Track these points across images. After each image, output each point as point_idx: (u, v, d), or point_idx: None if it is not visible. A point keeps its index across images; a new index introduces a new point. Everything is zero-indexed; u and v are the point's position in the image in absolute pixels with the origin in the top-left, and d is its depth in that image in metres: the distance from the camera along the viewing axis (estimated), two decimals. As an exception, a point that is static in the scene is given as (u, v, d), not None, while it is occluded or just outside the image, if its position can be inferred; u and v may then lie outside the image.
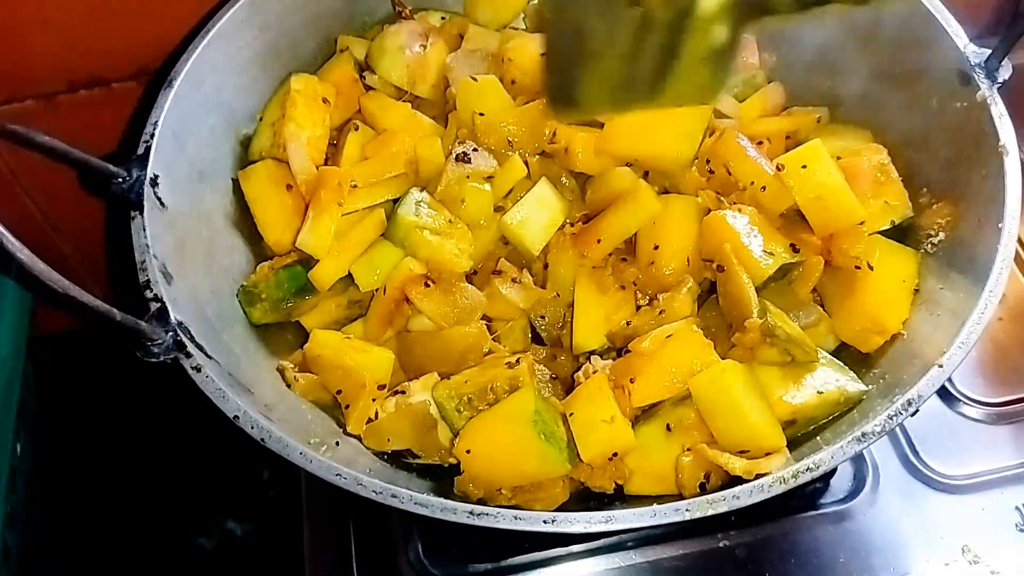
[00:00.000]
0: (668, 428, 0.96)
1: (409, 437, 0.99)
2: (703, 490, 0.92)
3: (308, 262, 1.07)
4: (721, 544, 1.13)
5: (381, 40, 1.21)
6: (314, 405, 1.03)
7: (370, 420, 0.99)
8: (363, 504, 1.15)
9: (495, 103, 1.13)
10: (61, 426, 1.55)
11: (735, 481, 0.86)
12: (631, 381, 0.97)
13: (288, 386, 1.03)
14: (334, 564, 1.15)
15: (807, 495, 1.15)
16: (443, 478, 0.97)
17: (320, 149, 1.16)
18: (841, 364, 1.00)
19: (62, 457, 1.53)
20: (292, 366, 1.04)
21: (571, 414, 0.95)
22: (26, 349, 1.39)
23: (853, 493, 1.16)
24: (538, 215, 1.08)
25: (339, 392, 1.02)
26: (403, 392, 1.01)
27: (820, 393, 0.96)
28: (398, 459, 1.00)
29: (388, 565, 1.14)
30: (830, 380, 0.97)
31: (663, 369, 0.97)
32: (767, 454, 0.90)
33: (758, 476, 0.85)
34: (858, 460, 1.18)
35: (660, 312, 1.02)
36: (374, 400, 1.00)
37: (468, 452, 0.94)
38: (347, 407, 1.01)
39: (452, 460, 0.99)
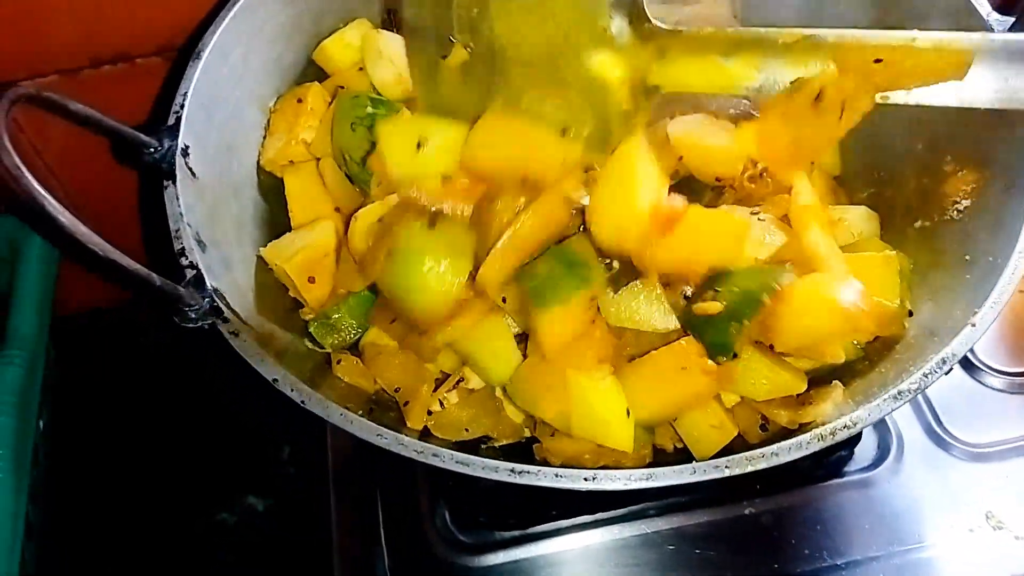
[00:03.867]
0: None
1: (484, 422, 0.99)
2: (764, 430, 0.94)
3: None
4: (747, 511, 1.14)
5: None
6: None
7: (430, 412, 0.99)
8: (390, 473, 1.19)
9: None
10: (82, 403, 1.56)
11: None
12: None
13: (329, 367, 1.04)
14: (361, 533, 1.16)
15: (832, 463, 1.16)
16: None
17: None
18: None
19: (83, 434, 1.54)
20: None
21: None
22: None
23: (877, 461, 1.17)
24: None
25: (397, 390, 1.02)
26: (462, 379, 1.02)
27: None
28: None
29: (415, 533, 1.15)
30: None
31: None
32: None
33: (801, 427, 0.87)
34: (882, 429, 1.19)
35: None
36: (434, 393, 1.01)
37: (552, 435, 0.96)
38: (406, 404, 1.00)
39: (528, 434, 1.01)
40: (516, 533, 1.14)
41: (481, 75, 1.00)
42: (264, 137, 1.16)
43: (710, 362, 0.91)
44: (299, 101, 1.16)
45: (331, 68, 1.21)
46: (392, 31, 1.23)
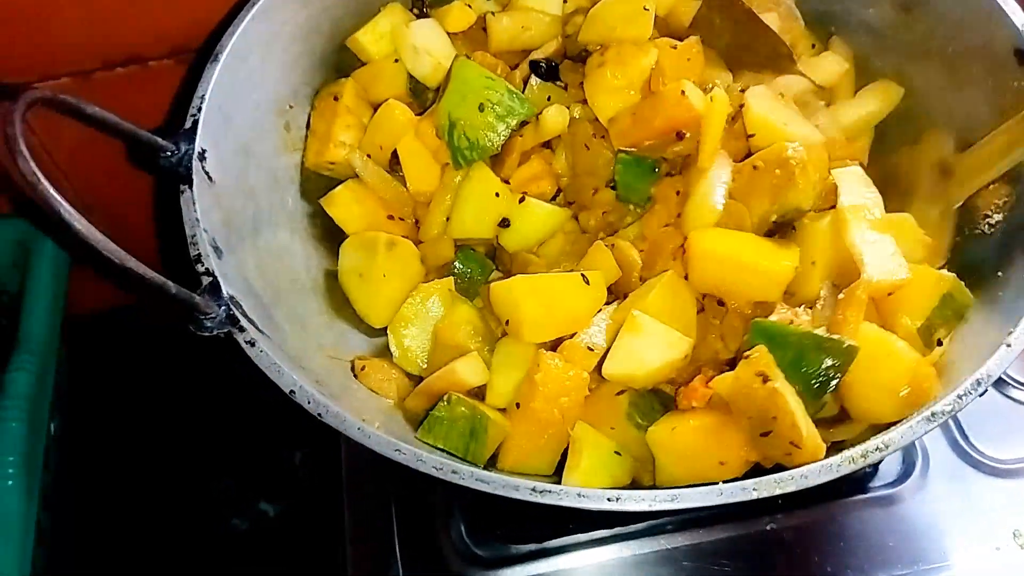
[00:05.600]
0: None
1: None
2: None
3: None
4: (768, 527, 1.12)
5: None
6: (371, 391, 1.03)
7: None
8: (406, 484, 1.17)
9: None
10: (94, 406, 1.55)
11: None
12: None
13: (355, 375, 1.03)
14: (376, 544, 1.14)
15: (856, 479, 1.14)
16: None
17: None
18: None
19: (95, 437, 1.53)
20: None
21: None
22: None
23: (902, 477, 1.15)
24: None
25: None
26: None
27: None
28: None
29: (430, 545, 1.13)
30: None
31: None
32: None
33: (834, 444, 0.86)
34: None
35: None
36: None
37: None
38: None
39: None
40: (533, 547, 1.12)
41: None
42: (306, 137, 1.16)
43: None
44: (335, 99, 1.16)
45: (365, 58, 1.21)
46: (425, 16, 1.22)
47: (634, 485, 0.96)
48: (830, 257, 0.99)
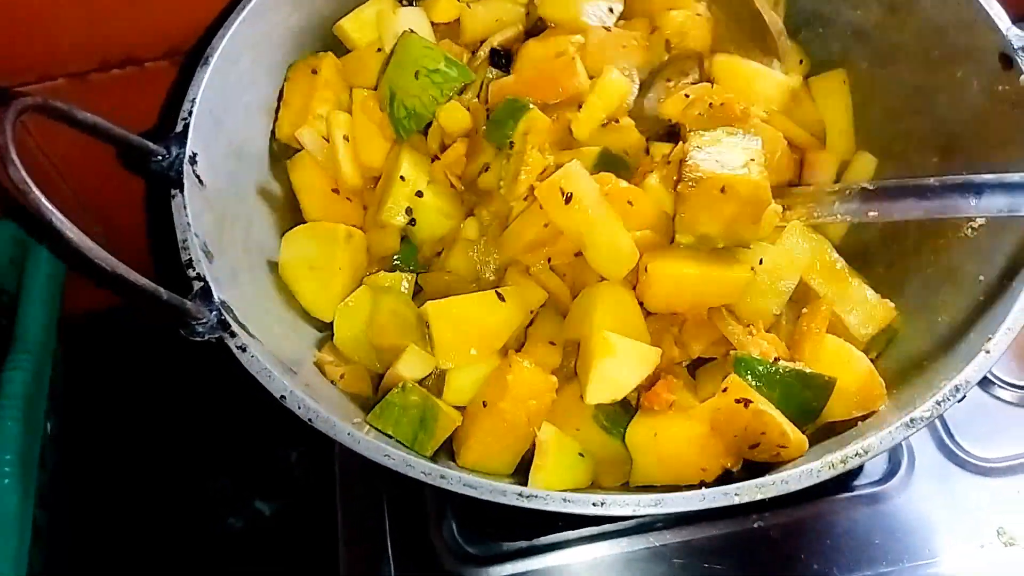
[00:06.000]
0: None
1: None
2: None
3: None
4: (755, 525, 1.13)
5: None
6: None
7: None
8: (397, 484, 1.18)
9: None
10: (90, 406, 1.55)
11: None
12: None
13: (332, 382, 1.02)
14: (368, 542, 1.15)
15: (842, 477, 1.15)
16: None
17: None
18: None
19: (91, 437, 1.54)
20: (331, 359, 1.04)
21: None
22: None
23: (888, 475, 1.16)
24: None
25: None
26: None
27: None
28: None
29: (422, 544, 1.15)
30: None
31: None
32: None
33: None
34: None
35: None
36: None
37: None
38: None
39: None
40: (523, 544, 1.13)
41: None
42: (277, 110, 1.15)
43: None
44: (313, 72, 1.15)
45: (349, 45, 1.20)
46: (412, 5, 1.21)
47: (593, 486, 0.98)
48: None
